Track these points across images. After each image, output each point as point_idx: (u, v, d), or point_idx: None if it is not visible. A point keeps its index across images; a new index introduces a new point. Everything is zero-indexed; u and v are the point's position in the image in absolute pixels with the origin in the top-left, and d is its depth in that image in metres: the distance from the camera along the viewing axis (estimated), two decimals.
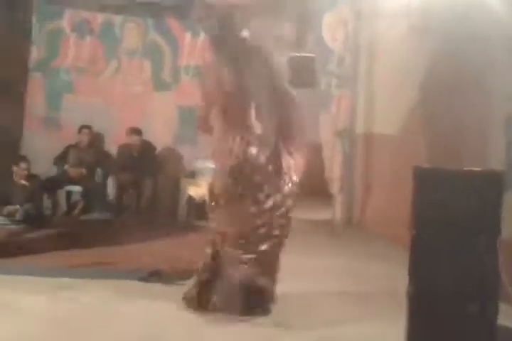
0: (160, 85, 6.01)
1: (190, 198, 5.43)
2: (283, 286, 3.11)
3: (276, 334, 2.51)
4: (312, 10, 5.21)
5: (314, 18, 5.30)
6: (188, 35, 5.97)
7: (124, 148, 5.58)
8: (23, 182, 5.06)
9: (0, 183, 5.05)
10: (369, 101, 5.01)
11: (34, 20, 5.92)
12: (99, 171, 5.61)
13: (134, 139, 5.49)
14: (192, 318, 2.66)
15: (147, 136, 5.62)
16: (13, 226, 4.74)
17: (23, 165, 5.10)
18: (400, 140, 4.49)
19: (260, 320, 2.65)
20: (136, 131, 5.53)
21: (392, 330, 2.27)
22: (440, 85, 3.96)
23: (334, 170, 4.94)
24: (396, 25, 4.52)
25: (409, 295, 2.11)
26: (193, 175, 5.44)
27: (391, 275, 3.37)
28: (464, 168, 2.22)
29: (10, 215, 4.84)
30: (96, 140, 5.76)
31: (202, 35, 5.94)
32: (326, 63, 5.04)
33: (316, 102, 5.15)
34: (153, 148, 5.66)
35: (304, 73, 6.20)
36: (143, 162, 5.44)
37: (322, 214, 5.34)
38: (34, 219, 4.89)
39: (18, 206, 4.90)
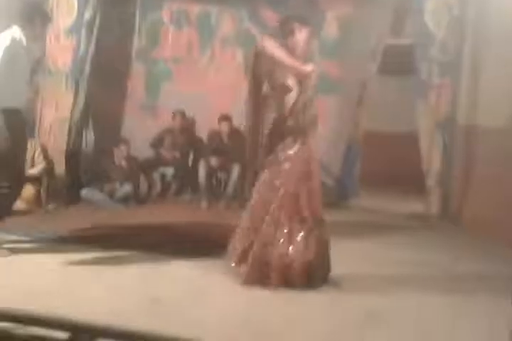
0: None
1: None
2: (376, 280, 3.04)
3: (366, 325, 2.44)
4: None
5: (415, 4, 5.11)
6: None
7: (214, 134, 5.73)
8: (123, 162, 5.38)
9: (102, 162, 5.41)
10: (473, 90, 4.68)
11: (137, 12, 6.25)
12: (191, 155, 5.82)
13: (224, 125, 5.62)
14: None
15: (238, 120, 5.72)
16: (113, 204, 5.06)
17: (123, 147, 5.41)
18: (508, 133, 4.15)
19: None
20: (227, 118, 5.66)
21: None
22: None
23: (432, 162, 4.68)
24: (509, 8, 4.17)
25: None
26: None
27: (497, 276, 3.17)
28: None
29: (110, 193, 5.17)
30: (188, 125, 5.98)
31: None
32: (428, 50, 4.79)
33: (414, 89, 4.92)
34: (243, 136, 5.75)
35: (401, 60, 5.97)
36: (232, 148, 5.55)
37: (416, 207, 5.10)
38: (132, 199, 5.22)
39: (117, 185, 5.22)
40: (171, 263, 3.24)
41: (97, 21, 5.41)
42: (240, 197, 5.51)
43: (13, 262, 3.14)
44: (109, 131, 5.85)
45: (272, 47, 2.94)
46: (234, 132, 5.67)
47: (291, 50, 2.97)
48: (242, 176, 5.50)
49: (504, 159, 4.07)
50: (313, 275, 2.80)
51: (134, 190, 5.24)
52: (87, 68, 5.29)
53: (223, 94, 6.06)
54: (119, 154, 5.38)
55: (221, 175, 5.60)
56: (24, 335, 1.95)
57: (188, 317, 2.43)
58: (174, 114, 5.86)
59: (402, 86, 6.01)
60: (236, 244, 3.04)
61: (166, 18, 6.31)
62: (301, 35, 3.00)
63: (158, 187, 5.64)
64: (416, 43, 5.00)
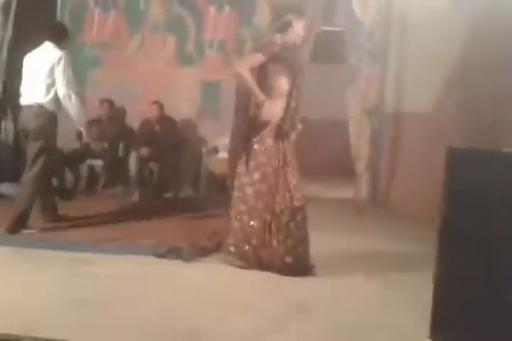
0: (184, 60, 5.89)
1: (212, 173, 5.38)
2: None
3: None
4: None
5: None
6: (212, 9, 5.81)
7: (145, 123, 5.52)
8: None
9: (22, 155, 5.04)
10: (400, 78, 4.79)
11: None
12: (121, 145, 5.58)
13: (155, 113, 5.42)
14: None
15: (170, 111, 5.54)
16: None
17: None
18: (432, 118, 4.28)
19: None
20: (158, 105, 5.45)
21: (415, 317, 2.17)
22: (480, 63, 3.72)
23: (361, 148, 4.77)
24: None
25: (435, 277, 1.96)
26: (216, 150, 5.37)
27: (418, 256, 3.26)
28: (503, 149, 2.03)
29: None
30: (118, 114, 5.71)
31: (226, 9, 5.80)
32: (357, 38, 4.82)
33: (344, 77, 4.95)
34: (175, 123, 5.58)
35: (333, 48, 5.98)
36: (164, 136, 5.37)
37: (346, 193, 5.17)
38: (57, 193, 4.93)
39: None
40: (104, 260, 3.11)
41: (13, 4, 5.02)
42: (174, 188, 5.40)
43: None
44: None
45: (244, 72, 2.91)
46: (165, 119, 5.49)
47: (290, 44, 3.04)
48: (174, 165, 5.36)
49: (427, 143, 4.21)
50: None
51: (58, 184, 4.96)
52: (4, 56, 4.92)
53: (154, 82, 5.85)
54: None
55: (153, 165, 5.42)
56: None
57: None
58: (101, 102, 5.58)
59: (333, 74, 6.05)
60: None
61: (90, 1, 5.95)
62: (298, 27, 3.05)
63: (84, 180, 5.36)
64: (345, 31, 5.02)
